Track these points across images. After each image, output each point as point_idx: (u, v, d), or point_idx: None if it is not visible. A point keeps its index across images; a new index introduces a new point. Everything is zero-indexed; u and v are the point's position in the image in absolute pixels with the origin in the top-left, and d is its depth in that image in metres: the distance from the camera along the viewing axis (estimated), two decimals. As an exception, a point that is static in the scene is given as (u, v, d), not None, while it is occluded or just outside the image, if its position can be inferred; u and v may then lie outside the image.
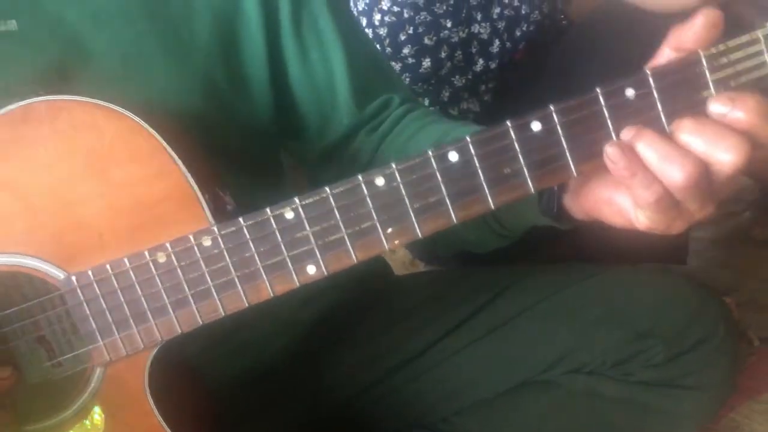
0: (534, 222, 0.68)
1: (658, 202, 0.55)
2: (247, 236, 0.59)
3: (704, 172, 0.54)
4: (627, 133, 0.57)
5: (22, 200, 0.59)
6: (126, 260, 0.59)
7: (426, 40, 1.16)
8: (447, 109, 1.23)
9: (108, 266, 0.59)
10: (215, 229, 0.59)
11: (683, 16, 0.59)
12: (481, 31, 1.20)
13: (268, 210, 0.59)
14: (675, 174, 0.54)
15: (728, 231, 1.41)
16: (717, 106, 0.55)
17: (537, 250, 1.03)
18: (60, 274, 0.60)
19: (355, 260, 0.60)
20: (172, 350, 0.62)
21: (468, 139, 0.58)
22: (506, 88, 1.25)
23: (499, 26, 1.21)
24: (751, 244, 1.37)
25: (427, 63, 1.17)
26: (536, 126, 0.58)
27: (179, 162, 0.59)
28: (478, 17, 1.19)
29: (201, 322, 0.60)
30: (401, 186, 0.58)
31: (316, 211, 0.59)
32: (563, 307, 0.81)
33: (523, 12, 1.23)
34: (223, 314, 0.60)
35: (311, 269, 0.60)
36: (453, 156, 0.58)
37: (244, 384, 0.78)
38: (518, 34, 1.24)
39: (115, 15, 0.69)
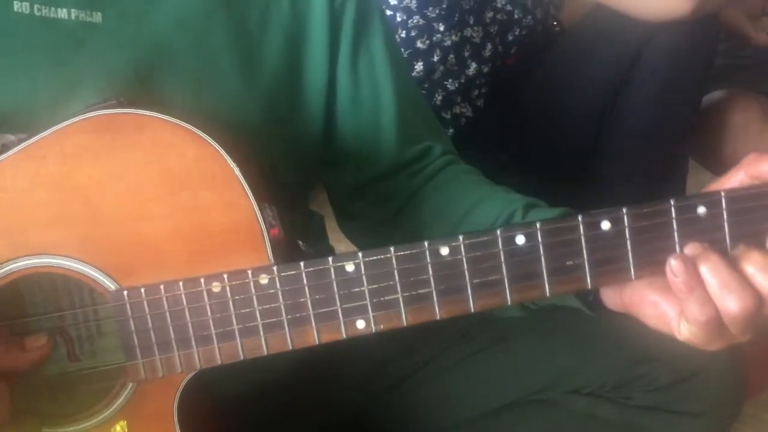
0: (563, 302, 0.68)
1: (708, 322, 0.57)
2: (305, 282, 0.59)
3: (759, 306, 0.56)
4: (693, 250, 0.58)
5: (90, 207, 0.59)
6: (181, 283, 0.59)
7: (418, 44, 1.16)
8: (440, 113, 1.24)
9: (162, 286, 0.59)
10: (275, 269, 0.59)
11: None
12: (474, 35, 1.21)
13: (330, 259, 0.59)
14: (731, 304, 0.55)
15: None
16: None
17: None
18: (112, 286, 0.60)
19: (405, 323, 0.60)
20: (203, 378, 0.62)
21: (538, 225, 0.59)
22: (498, 93, 1.26)
23: (492, 30, 1.22)
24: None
25: (419, 66, 1.18)
26: (606, 225, 0.59)
27: (252, 197, 0.59)
28: (471, 21, 1.20)
29: (242, 357, 0.60)
30: (464, 260, 0.59)
31: (377, 270, 0.59)
32: (565, 327, 0.81)
33: (516, 17, 1.24)
34: (265, 353, 0.60)
35: (360, 324, 0.60)
36: (520, 239, 0.59)
37: (254, 400, 0.78)
38: (511, 38, 1.25)
39: (198, 23, 0.70)
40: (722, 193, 0.59)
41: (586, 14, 1.24)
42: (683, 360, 0.77)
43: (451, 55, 1.19)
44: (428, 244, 0.59)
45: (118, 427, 0.62)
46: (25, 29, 0.65)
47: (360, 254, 0.59)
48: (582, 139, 1.18)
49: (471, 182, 0.80)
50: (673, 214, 0.59)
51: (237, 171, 0.59)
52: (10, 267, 0.59)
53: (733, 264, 0.57)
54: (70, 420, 0.62)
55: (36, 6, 0.65)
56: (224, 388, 0.73)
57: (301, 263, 0.59)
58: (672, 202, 0.59)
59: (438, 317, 0.60)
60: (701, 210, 0.59)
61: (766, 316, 0.57)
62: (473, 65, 1.21)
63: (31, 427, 0.61)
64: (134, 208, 0.59)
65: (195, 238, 0.59)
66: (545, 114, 1.20)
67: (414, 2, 1.14)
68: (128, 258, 0.59)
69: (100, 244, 0.59)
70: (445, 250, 0.59)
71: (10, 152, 0.59)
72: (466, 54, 1.20)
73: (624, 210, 0.59)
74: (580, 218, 0.59)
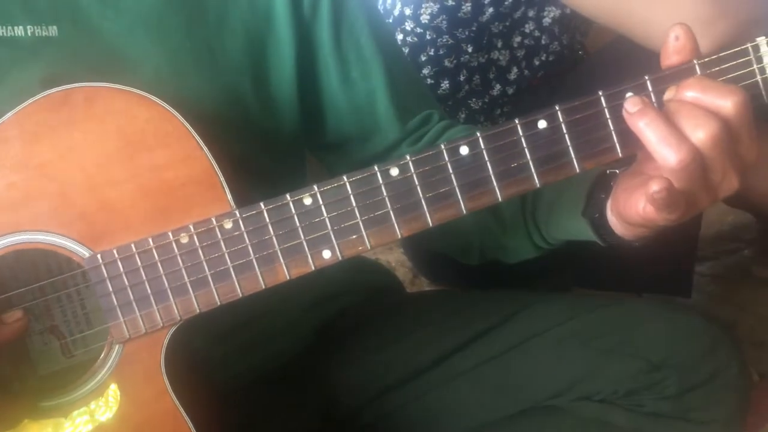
0: (576, 235, 0.70)
1: (683, 162, 0.58)
2: (267, 219, 0.62)
3: (724, 128, 0.58)
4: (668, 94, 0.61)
5: (54, 180, 0.62)
6: (150, 240, 0.62)
7: (446, 63, 1.19)
8: None
9: (132, 245, 0.62)
10: (237, 212, 0.62)
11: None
12: (501, 57, 1.23)
13: (287, 195, 0.62)
14: (700, 132, 0.58)
15: (728, 267, 1.44)
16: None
17: (539, 278, 1.05)
18: (86, 253, 0.62)
19: (369, 246, 0.63)
20: (189, 333, 0.64)
21: (478, 134, 0.62)
22: (521, 113, 1.28)
23: (519, 54, 1.24)
24: (750, 281, 1.39)
25: (445, 85, 1.20)
26: (542, 124, 0.62)
27: (204, 147, 0.62)
28: (499, 44, 1.22)
29: (219, 303, 0.63)
30: (414, 176, 0.62)
31: (333, 198, 0.62)
32: (577, 334, 0.82)
33: (543, 42, 1.26)
34: (240, 295, 0.63)
35: (327, 254, 0.63)
36: (464, 149, 0.62)
37: (252, 385, 0.79)
38: (537, 63, 1.27)
39: (152, 28, 0.73)
40: (646, 77, 0.62)
41: (610, 41, 1.25)
42: (693, 368, 0.78)
43: (477, 76, 1.22)
44: (378, 167, 0.62)
45: (110, 391, 0.64)
46: None
47: (315, 186, 0.62)
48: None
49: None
50: (604, 103, 0.62)
51: (187, 125, 0.62)
52: (-12, 248, 0.62)
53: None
54: (64, 391, 0.64)
55: None
56: (221, 370, 0.75)
57: (261, 203, 0.62)
58: (600, 93, 0.62)
59: (399, 236, 0.63)
60: (629, 95, 0.62)
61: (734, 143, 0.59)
62: (498, 87, 1.24)
63: (27, 403, 0.63)
64: (96, 175, 0.62)
65: (158, 196, 0.62)
66: None
67: (445, 23, 1.18)
68: (97, 224, 0.62)
69: (68, 214, 0.62)
70: (395, 171, 0.62)
71: (-25, 140, 0.62)
72: (492, 76, 1.23)
73: (557, 106, 0.62)
74: (516, 120, 0.62)
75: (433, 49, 1.18)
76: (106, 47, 0.71)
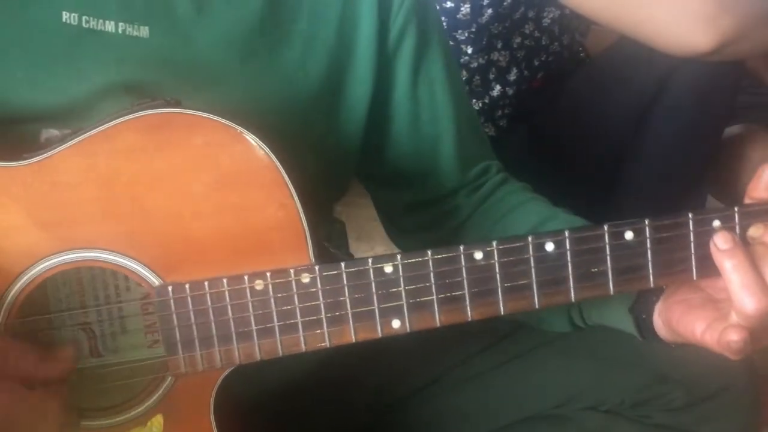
0: (615, 325, 0.71)
1: (757, 311, 0.59)
2: (345, 281, 0.62)
3: None
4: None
5: (138, 204, 0.60)
6: (224, 280, 0.61)
7: None
8: None
9: (206, 283, 0.61)
10: (317, 268, 0.61)
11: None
12: (500, 58, 1.24)
13: (369, 260, 0.62)
14: None
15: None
16: None
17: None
18: (156, 281, 0.61)
19: (438, 323, 0.63)
20: (242, 375, 0.64)
21: (566, 233, 0.62)
22: (521, 114, 1.29)
23: (519, 55, 1.25)
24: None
25: None
26: (629, 235, 0.63)
27: (296, 197, 0.61)
28: (499, 45, 1.23)
29: (281, 353, 0.62)
30: (497, 264, 0.62)
31: (414, 271, 0.62)
32: (586, 344, 0.82)
33: (543, 43, 1.27)
34: (303, 350, 0.62)
35: (396, 324, 0.63)
36: (549, 246, 0.62)
37: (270, 401, 0.78)
38: (537, 63, 1.28)
39: (243, 47, 0.71)
40: (735, 209, 0.63)
41: (612, 43, 1.26)
42: (702, 381, 0.79)
43: (477, 77, 1.22)
44: (463, 249, 0.62)
45: (154, 421, 0.63)
46: (73, 39, 0.66)
47: (399, 256, 0.62)
48: (601, 168, 1.20)
49: (529, 201, 0.82)
50: (691, 227, 0.63)
51: (283, 173, 0.61)
52: (57, 260, 0.60)
53: None
54: (106, 413, 0.63)
55: (84, 18, 0.66)
56: (243, 390, 0.75)
57: (342, 263, 0.61)
58: (690, 216, 0.63)
59: (470, 318, 0.63)
60: (716, 224, 0.63)
61: None
62: (498, 88, 1.24)
63: (71, 421, 0.62)
64: (182, 205, 0.60)
65: (240, 236, 0.61)
66: (567, 139, 1.23)
67: (444, 24, 1.17)
68: (173, 254, 0.61)
69: (146, 239, 0.61)
70: (479, 255, 0.62)
71: (61, 147, 0.60)
72: (492, 77, 1.24)
73: (646, 221, 0.63)
74: (605, 228, 0.63)
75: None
76: (196, 57, 0.70)
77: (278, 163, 0.61)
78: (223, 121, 0.60)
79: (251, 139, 0.60)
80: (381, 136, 0.81)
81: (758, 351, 0.62)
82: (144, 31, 0.68)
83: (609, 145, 1.18)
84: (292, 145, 0.72)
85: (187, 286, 0.61)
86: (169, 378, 0.63)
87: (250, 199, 0.61)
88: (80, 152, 0.60)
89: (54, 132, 0.64)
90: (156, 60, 0.68)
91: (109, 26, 0.67)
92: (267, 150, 0.61)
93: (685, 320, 0.64)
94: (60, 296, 0.66)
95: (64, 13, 0.66)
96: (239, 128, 0.60)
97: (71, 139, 0.60)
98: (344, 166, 0.81)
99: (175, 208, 0.60)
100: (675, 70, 1.14)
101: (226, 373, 0.63)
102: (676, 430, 0.80)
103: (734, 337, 0.58)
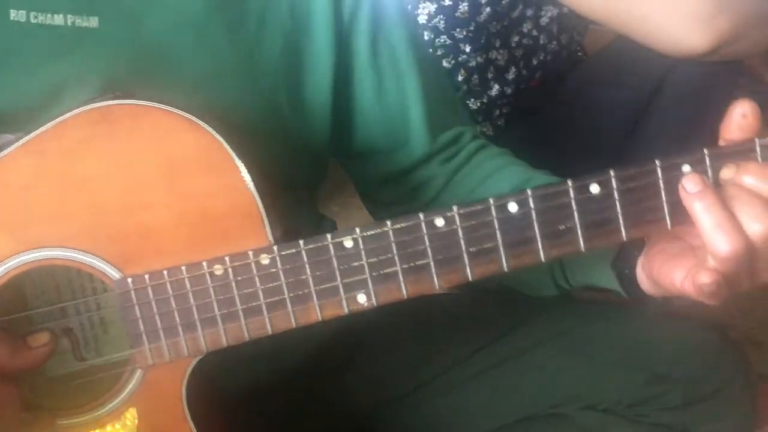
0: (599, 282, 0.70)
1: (734, 252, 0.57)
2: (305, 259, 0.61)
3: None
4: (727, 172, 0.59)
5: (89, 198, 0.60)
6: (183, 268, 0.60)
7: (444, 63, 1.18)
8: None
9: (165, 272, 0.60)
10: (275, 248, 0.60)
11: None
12: (499, 57, 1.22)
13: (328, 236, 0.60)
14: (756, 225, 0.57)
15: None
16: None
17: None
18: (116, 274, 0.61)
19: (405, 295, 0.62)
20: (212, 362, 0.63)
21: (529, 192, 0.60)
22: (519, 114, 1.28)
23: (517, 54, 1.24)
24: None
25: None
26: (595, 188, 0.61)
27: (249, 179, 0.60)
28: (497, 44, 1.22)
29: (248, 338, 0.62)
30: (459, 229, 0.60)
31: (375, 243, 0.61)
32: (583, 344, 0.82)
33: (542, 42, 1.26)
34: (270, 332, 0.62)
35: (362, 298, 0.61)
36: (512, 207, 0.61)
37: (263, 396, 0.78)
38: (535, 62, 1.27)
39: (197, 24, 0.70)
40: (705, 151, 0.61)
41: (610, 42, 1.26)
42: (699, 381, 0.79)
43: (475, 76, 1.22)
44: (423, 216, 0.60)
45: (128, 415, 0.63)
46: (22, 36, 0.66)
47: (357, 229, 0.60)
48: (599, 166, 1.19)
49: (508, 165, 0.81)
50: (659, 174, 0.61)
51: (234, 156, 0.60)
52: (14, 261, 0.60)
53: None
54: (82, 410, 0.63)
55: (32, 14, 0.66)
56: (232, 383, 0.74)
57: (300, 241, 0.60)
58: (657, 162, 0.61)
59: (437, 287, 0.62)
60: (686, 168, 0.61)
61: None
62: (496, 87, 1.23)
63: (46, 421, 0.62)
64: (135, 197, 0.60)
65: (196, 224, 0.60)
66: (565, 138, 1.21)
67: (442, 23, 1.17)
68: (131, 247, 0.60)
69: (102, 234, 0.60)
70: (440, 221, 0.61)
71: (10, 148, 0.60)
72: (490, 76, 1.23)
73: (611, 172, 0.61)
74: (569, 183, 0.61)
75: (430, 49, 1.17)
76: (148, 44, 0.69)
77: (228, 146, 0.60)
78: (168, 108, 0.59)
79: (200, 123, 0.60)
80: (349, 111, 0.79)
81: (751, 322, 0.60)
82: (93, 22, 0.67)
83: (607, 143, 1.16)
84: (256, 126, 0.72)
85: (146, 276, 0.60)
86: (138, 371, 0.62)
87: (204, 186, 0.60)
88: (29, 152, 0.60)
89: (9, 137, 0.64)
90: (107, 50, 0.68)
91: (58, 19, 0.66)
92: (215, 134, 0.60)
93: (665, 270, 0.62)
94: (38, 295, 0.65)
95: (11, 11, 0.65)
96: (186, 114, 0.59)
97: (19, 141, 0.60)
98: (316, 145, 0.80)
99: (128, 200, 0.60)
100: (673, 68, 1.13)
101: (195, 361, 0.62)
102: (673, 429, 0.79)
103: (705, 279, 0.56)
